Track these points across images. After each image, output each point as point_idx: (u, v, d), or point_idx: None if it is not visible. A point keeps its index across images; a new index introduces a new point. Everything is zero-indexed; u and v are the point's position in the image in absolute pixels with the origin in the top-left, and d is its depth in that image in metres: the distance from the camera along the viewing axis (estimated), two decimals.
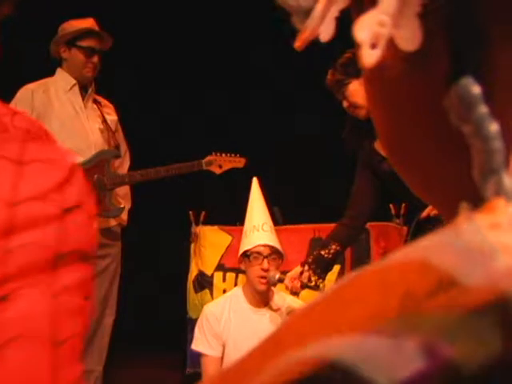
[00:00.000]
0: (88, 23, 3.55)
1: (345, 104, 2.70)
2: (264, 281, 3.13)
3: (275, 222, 3.88)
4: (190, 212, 3.92)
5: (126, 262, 3.63)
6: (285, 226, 3.73)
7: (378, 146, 2.78)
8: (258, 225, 3.28)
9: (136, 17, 4.63)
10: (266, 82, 4.68)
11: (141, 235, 4.18)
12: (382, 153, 2.74)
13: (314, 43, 0.45)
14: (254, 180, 3.48)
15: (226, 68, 4.72)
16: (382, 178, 2.76)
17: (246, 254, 3.19)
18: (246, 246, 3.24)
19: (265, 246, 3.17)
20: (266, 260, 3.14)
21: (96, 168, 3.45)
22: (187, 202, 4.01)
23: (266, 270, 3.13)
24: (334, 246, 2.96)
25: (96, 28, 3.55)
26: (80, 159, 3.41)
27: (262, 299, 3.23)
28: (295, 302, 3.29)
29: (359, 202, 2.90)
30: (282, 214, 3.89)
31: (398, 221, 3.62)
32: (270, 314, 3.20)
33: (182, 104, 4.73)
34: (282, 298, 3.30)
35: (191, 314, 3.82)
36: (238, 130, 4.46)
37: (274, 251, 3.18)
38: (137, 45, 4.54)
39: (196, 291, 3.83)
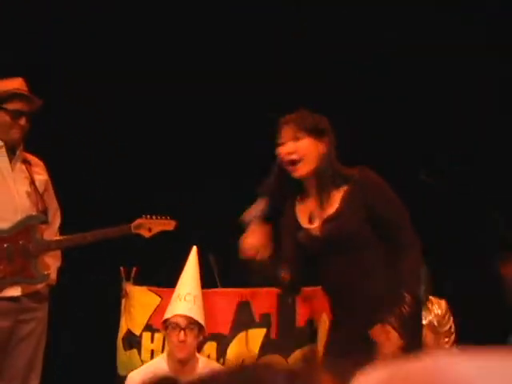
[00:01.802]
0: (16, 84, 3.50)
1: (285, 157, 2.66)
2: (182, 348, 3.25)
3: (210, 270, 3.91)
4: (121, 268, 3.92)
5: (55, 317, 3.62)
6: (211, 290, 3.75)
7: (299, 211, 2.75)
8: (182, 294, 3.38)
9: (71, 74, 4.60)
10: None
11: (72, 290, 4.15)
12: (300, 220, 2.74)
13: None
14: (194, 249, 3.57)
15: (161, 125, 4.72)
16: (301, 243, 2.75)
17: (166, 324, 3.31)
18: (167, 314, 3.36)
19: (182, 316, 3.27)
20: (182, 332, 3.25)
21: (22, 234, 3.43)
22: (120, 258, 4.00)
23: (183, 342, 3.24)
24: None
25: (24, 89, 3.51)
26: (6, 225, 3.41)
27: (185, 368, 3.29)
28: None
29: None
30: (216, 262, 3.92)
31: None
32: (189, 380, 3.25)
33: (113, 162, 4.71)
34: (206, 364, 3.37)
35: (120, 371, 3.82)
36: (169, 192, 4.47)
37: (191, 322, 3.28)
38: (70, 103, 4.52)
39: (125, 349, 3.83)
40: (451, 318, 3.92)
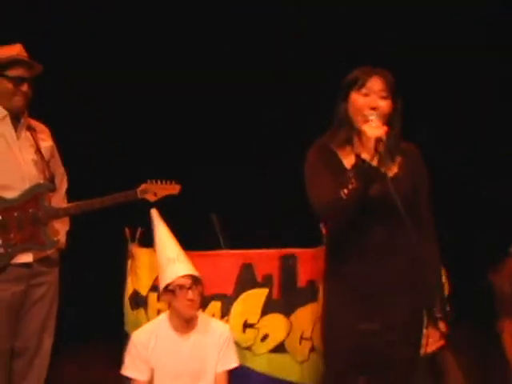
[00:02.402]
0: (15, 50, 3.52)
1: (365, 110, 2.67)
2: (192, 307, 3.37)
3: (213, 229, 4.02)
4: (126, 229, 4.02)
5: (65, 279, 3.74)
6: (215, 252, 3.87)
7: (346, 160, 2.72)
8: (173, 257, 3.46)
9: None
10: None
11: (80, 252, 4.25)
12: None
13: None
14: (154, 211, 3.61)
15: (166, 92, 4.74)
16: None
17: (169, 289, 3.36)
18: (167, 279, 3.41)
19: (185, 276, 3.35)
20: (190, 291, 3.36)
21: (30, 202, 3.51)
22: (126, 219, 4.08)
23: (191, 300, 3.35)
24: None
25: (24, 55, 3.53)
26: (14, 194, 3.48)
27: (187, 325, 3.42)
28: (221, 326, 3.51)
29: None
30: (219, 222, 4.02)
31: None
32: (194, 339, 3.42)
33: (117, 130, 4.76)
34: (205, 320, 3.50)
35: (128, 329, 3.96)
36: (175, 157, 4.53)
37: (194, 280, 3.38)
38: (74, 68, 4.52)
39: (132, 308, 3.96)
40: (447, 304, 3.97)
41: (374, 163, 2.57)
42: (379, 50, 4.57)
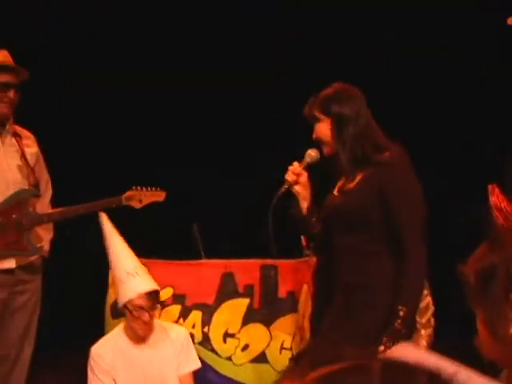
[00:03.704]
0: (1, 57, 3.53)
1: (313, 136, 2.76)
2: (148, 329, 3.28)
3: (193, 240, 4.00)
4: None
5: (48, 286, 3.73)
6: (197, 261, 3.88)
7: (339, 181, 2.79)
8: (131, 269, 3.30)
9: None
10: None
11: (63, 261, 4.25)
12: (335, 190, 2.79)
13: None
14: (103, 215, 3.37)
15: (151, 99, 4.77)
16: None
17: (126, 306, 3.25)
18: (126, 295, 3.26)
19: (145, 296, 3.21)
20: (147, 314, 3.23)
21: (14, 208, 3.51)
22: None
23: (147, 323, 3.26)
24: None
25: (9, 61, 3.54)
26: None
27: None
28: (176, 329, 3.47)
29: None
30: (199, 230, 4.02)
31: (308, 252, 3.82)
32: (151, 346, 3.36)
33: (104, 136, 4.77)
34: (161, 326, 3.43)
35: None
36: (159, 164, 4.55)
37: (153, 298, 3.24)
38: (59, 74, 4.54)
39: (113, 317, 3.96)
40: (429, 295, 4.00)
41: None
42: (379, 50, 4.63)
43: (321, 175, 2.80)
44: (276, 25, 4.72)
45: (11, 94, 3.51)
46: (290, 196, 2.84)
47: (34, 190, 3.59)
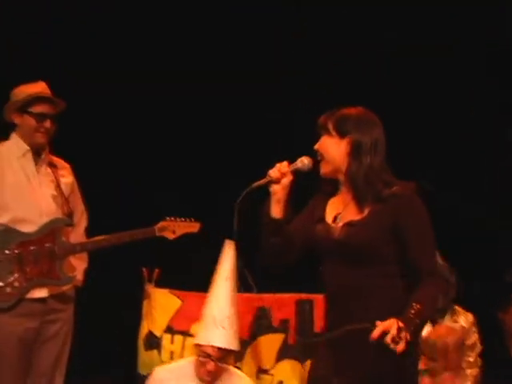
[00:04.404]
0: (39, 88, 3.58)
1: (316, 147, 2.59)
2: (210, 377, 3.24)
3: (246, 288, 3.82)
4: (144, 269, 3.99)
5: (80, 316, 3.71)
6: None
7: (329, 206, 2.62)
8: (219, 319, 3.22)
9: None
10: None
11: (96, 291, 4.23)
12: (326, 215, 2.61)
13: None
14: (229, 244, 3.09)
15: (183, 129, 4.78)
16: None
17: (197, 347, 3.23)
18: (200, 339, 3.23)
19: (217, 348, 3.18)
20: (212, 363, 3.20)
21: (47, 237, 3.51)
22: (144, 259, 4.06)
23: (210, 372, 3.22)
24: None
25: (47, 93, 3.58)
26: (31, 228, 3.48)
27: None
28: (244, 380, 3.38)
29: None
30: (252, 277, 3.89)
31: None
32: None
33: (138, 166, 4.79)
34: (230, 373, 3.37)
35: (141, 370, 3.91)
36: (195, 194, 4.53)
37: (225, 354, 3.20)
38: (93, 105, 4.58)
39: (146, 349, 3.92)
40: (476, 333, 3.82)
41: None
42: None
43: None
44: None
45: (47, 124, 3.55)
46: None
47: (68, 220, 3.58)
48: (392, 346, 2.27)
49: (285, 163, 2.57)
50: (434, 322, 3.72)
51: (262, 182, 2.54)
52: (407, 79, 4.57)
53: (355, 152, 2.52)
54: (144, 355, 3.91)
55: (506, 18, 4.56)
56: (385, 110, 2.60)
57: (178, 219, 3.73)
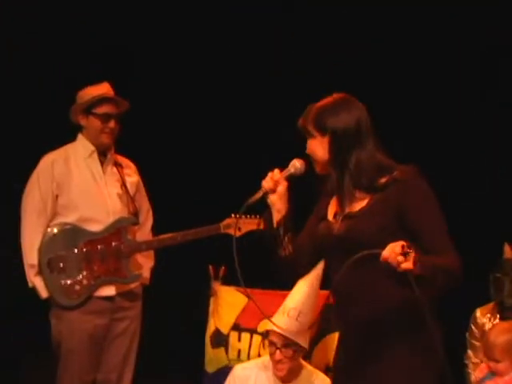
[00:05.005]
0: (103, 89, 3.64)
1: (307, 151, 2.47)
2: (280, 368, 3.21)
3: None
4: (210, 267, 4.00)
5: (147, 314, 3.75)
6: None
7: (331, 204, 2.50)
8: (287, 307, 3.22)
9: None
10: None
11: (164, 287, 4.27)
12: (328, 213, 2.50)
13: None
14: (321, 264, 2.83)
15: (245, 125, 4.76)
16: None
17: (267, 334, 3.24)
18: (267, 324, 3.24)
19: (279, 335, 3.17)
20: (278, 351, 3.18)
21: (114, 236, 3.57)
22: (210, 256, 4.07)
23: (279, 361, 3.18)
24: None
25: (111, 93, 3.65)
26: (98, 227, 3.55)
27: (288, 377, 3.28)
28: (322, 379, 3.34)
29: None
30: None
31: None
32: None
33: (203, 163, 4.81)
34: (309, 373, 3.33)
35: (208, 367, 3.91)
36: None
37: (287, 342, 3.16)
38: (160, 105, 4.61)
39: (213, 347, 3.92)
40: None
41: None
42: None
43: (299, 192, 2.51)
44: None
45: (112, 124, 3.60)
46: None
47: (134, 219, 3.63)
48: (400, 259, 2.13)
49: (276, 171, 2.47)
50: (504, 319, 3.59)
51: (258, 195, 2.45)
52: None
53: (335, 141, 2.37)
54: (211, 353, 3.90)
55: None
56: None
57: (243, 216, 3.69)
